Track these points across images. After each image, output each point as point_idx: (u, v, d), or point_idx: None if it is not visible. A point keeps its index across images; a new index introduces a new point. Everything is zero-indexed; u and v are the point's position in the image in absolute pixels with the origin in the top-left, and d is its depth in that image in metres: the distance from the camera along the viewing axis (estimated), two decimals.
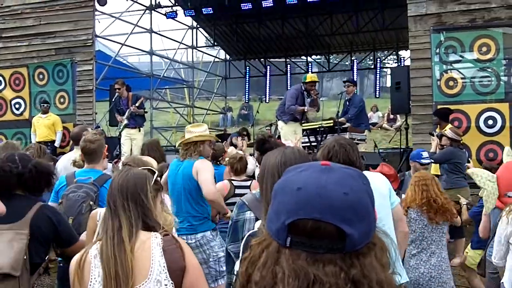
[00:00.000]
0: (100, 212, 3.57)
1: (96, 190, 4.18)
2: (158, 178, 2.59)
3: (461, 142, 8.16)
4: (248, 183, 5.92)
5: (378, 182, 3.56)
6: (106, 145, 4.79)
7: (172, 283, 2.28)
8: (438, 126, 8.86)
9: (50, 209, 3.51)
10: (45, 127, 11.75)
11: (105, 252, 2.29)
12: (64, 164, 5.74)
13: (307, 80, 10.31)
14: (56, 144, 11.58)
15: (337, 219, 1.12)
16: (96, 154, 4.54)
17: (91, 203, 4.07)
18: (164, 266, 2.28)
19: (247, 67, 22.44)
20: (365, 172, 3.63)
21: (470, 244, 6.25)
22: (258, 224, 2.65)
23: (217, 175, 5.91)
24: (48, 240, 3.34)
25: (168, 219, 3.59)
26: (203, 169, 4.95)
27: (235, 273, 2.60)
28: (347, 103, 10.94)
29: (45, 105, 11.95)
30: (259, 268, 1.17)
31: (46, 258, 3.35)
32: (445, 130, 8.50)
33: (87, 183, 4.22)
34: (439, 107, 9.27)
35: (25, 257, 3.13)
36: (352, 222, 1.13)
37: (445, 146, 7.98)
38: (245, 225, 3.21)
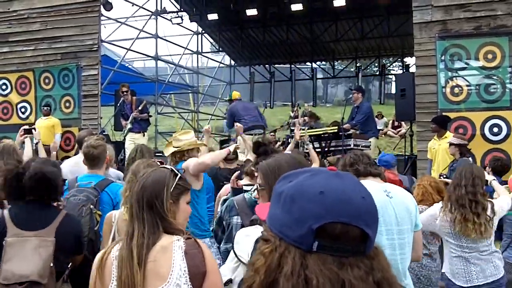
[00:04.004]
0: (115, 214, 3.57)
1: (96, 194, 4.22)
2: (183, 178, 2.56)
3: (468, 147, 8.09)
4: None
5: (405, 197, 3.50)
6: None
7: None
8: (437, 133, 8.83)
9: (73, 218, 3.55)
10: (45, 128, 11.78)
11: (120, 257, 2.30)
12: (70, 168, 5.73)
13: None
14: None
15: (362, 222, 1.15)
16: (99, 159, 4.59)
17: (91, 206, 4.10)
18: (185, 270, 2.27)
19: (252, 73, 22.47)
20: (393, 185, 3.60)
21: None
22: (241, 232, 2.64)
23: None
24: (71, 249, 3.37)
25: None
26: (188, 161, 4.79)
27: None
28: (355, 109, 10.95)
29: (46, 108, 12.02)
30: (287, 278, 1.14)
31: (68, 266, 3.35)
32: (445, 137, 8.46)
33: (89, 187, 4.26)
34: (443, 114, 9.25)
35: (51, 265, 3.14)
36: (371, 225, 1.17)
37: (454, 155, 7.88)
38: (233, 229, 3.23)
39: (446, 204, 4.53)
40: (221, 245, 3.26)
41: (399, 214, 3.32)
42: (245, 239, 2.49)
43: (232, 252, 2.66)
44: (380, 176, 3.59)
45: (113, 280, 2.28)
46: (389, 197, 3.32)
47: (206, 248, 2.43)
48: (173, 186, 2.45)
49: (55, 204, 3.58)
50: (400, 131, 17.75)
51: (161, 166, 2.61)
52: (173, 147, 5.19)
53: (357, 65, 22.16)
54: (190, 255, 2.31)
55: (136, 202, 2.38)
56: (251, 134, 10.05)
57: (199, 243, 2.41)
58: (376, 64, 23.70)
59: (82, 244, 3.56)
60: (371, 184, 3.31)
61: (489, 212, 4.42)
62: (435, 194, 5.26)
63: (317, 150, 10.15)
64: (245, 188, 5.75)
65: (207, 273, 2.32)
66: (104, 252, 2.37)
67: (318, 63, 24.39)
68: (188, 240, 2.37)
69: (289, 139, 11.99)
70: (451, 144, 7.89)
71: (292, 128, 12.73)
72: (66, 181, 4.68)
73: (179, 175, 2.51)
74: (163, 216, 2.36)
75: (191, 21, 19.13)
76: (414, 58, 11.10)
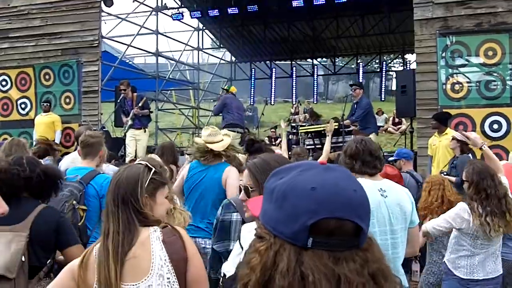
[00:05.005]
0: None
1: (81, 188, 4.18)
2: (159, 173, 2.53)
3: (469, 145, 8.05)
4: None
5: (401, 195, 3.47)
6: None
7: (175, 276, 2.26)
8: (437, 130, 8.81)
9: (52, 211, 3.46)
10: (44, 125, 11.82)
11: (98, 258, 2.28)
12: (68, 164, 5.74)
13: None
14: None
15: (355, 216, 1.15)
16: (92, 148, 4.58)
17: (74, 202, 4.06)
18: (165, 260, 2.26)
19: (253, 69, 22.48)
20: (390, 183, 3.57)
21: None
22: (246, 227, 2.63)
23: None
24: (49, 244, 3.28)
25: (180, 220, 3.55)
26: (232, 176, 4.89)
27: (223, 274, 2.59)
28: (355, 106, 10.94)
29: (46, 104, 12.03)
30: (283, 275, 1.13)
31: (47, 263, 3.26)
32: (446, 134, 8.44)
33: (74, 181, 4.21)
34: (444, 111, 9.24)
35: (23, 259, 3.07)
36: (364, 218, 1.17)
37: (454, 150, 7.86)
38: (232, 226, 3.21)
39: (474, 209, 4.38)
40: (214, 245, 3.24)
41: (392, 214, 3.31)
42: (250, 234, 2.48)
43: (236, 248, 2.66)
44: (379, 172, 3.55)
45: (96, 277, 2.26)
46: (383, 197, 3.31)
47: (185, 233, 2.41)
48: (148, 181, 2.43)
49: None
50: (400, 127, 17.75)
51: (137, 162, 2.58)
52: (218, 141, 5.09)
53: (358, 61, 22.16)
54: (169, 243, 2.30)
55: (111, 200, 2.37)
56: (233, 131, 10.69)
57: (177, 230, 2.40)
58: (377, 61, 23.67)
59: (70, 239, 3.41)
60: (365, 183, 3.24)
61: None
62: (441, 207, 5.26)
63: (318, 146, 10.16)
64: None
65: (189, 258, 2.31)
66: (87, 250, 2.36)
67: (319, 59, 24.35)
68: (165, 228, 2.36)
69: (290, 136, 12.02)
70: (453, 138, 7.86)
71: (293, 124, 12.78)
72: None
73: (154, 169, 2.48)
74: (138, 211, 2.36)
75: (191, 17, 19.10)
76: (414, 55, 11.10)
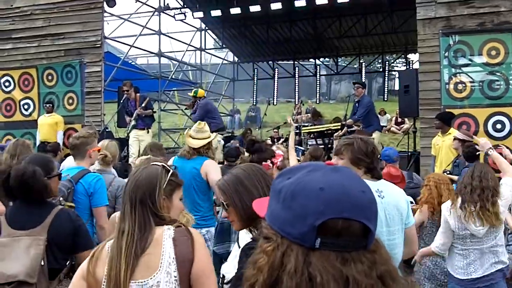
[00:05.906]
0: (117, 215, 3.55)
1: (70, 186, 4.29)
2: (175, 174, 2.55)
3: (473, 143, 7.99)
4: None
5: (397, 196, 3.48)
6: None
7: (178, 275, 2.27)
8: (441, 130, 8.78)
9: (69, 213, 3.48)
10: (48, 126, 11.84)
11: (110, 254, 2.31)
12: (70, 165, 5.76)
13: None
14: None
15: (363, 216, 1.15)
16: (77, 150, 4.66)
17: (60, 199, 4.10)
18: (173, 258, 2.28)
19: (255, 70, 22.46)
20: (387, 183, 3.58)
21: None
22: (243, 231, 2.62)
23: None
24: (67, 246, 3.30)
25: (182, 221, 3.56)
26: (213, 170, 5.15)
27: (222, 275, 2.59)
28: (356, 105, 10.93)
29: (48, 105, 12.04)
30: (291, 276, 1.13)
31: (67, 264, 3.28)
32: (449, 134, 8.42)
33: (64, 180, 4.27)
34: (447, 110, 9.22)
35: (42, 264, 3.09)
36: (372, 219, 1.17)
37: (457, 150, 7.83)
38: (232, 228, 3.21)
39: (457, 200, 4.49)
40: (214, 247, 3.25)
41: (389, 215, 3.32)
42: (248, 236, 2.47)
43: (235, 249, 2.65)
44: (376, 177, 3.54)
45: (106, 272, 2.29)
46: (380, 198, 3.30)
47: (198, 236, 2.42)
48: (166, 182, 2.45)
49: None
50: (403, 127, 17.71)
51: (153, 163, 2.58)
52: (201, 138, 5.36)
53: (361, 61, 22.13)
54: (178, 242, 2.32)
55: (129, 199, 2.38)
56: (221, 134, 11.34)
57: (191, 231, 2.40)
58: (380, 61, 23.65)
59: (81, 237, 3.42)
60: None
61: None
62: (438, 197, 5.24)
63: (321, 146, 10.14)
64: None
65: (195, 260, 2.32)
66: (97, 248, 2.39)
67: (321, 59, 24.37)
68: (178, 228, 2.38)
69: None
70: (455, 138, 7.84)
71: (296, 124, 12.76)
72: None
73: (171, 171, 2.50)
74: (155, 213, 2.37)
75: (194, 18, 19.12)
76: (417, 54, 11.08)
